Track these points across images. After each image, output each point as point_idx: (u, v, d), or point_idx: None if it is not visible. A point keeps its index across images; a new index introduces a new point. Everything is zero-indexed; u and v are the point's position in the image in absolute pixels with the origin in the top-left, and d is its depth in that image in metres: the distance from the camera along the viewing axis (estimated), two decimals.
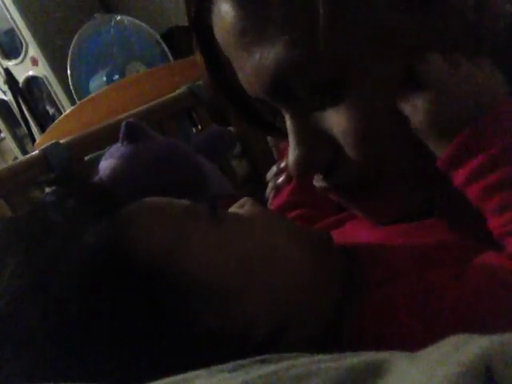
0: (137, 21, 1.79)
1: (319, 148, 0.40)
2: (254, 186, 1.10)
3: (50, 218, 0.38)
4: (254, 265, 0.38)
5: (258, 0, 0.37)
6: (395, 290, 0.38)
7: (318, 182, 0.44)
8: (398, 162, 0.40)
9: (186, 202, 0.42)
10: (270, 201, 0.67)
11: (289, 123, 0.41)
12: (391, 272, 0.40)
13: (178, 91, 1.12)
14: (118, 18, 1.77)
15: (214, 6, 0.40)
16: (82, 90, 1.75)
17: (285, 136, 0.43)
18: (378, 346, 0.31)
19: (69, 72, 1.79)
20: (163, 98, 1.10)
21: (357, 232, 0.49)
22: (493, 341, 0.19)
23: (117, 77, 1.72)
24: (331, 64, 0.36)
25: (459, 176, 0.36)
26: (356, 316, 0.38)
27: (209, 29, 0.42)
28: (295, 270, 0.40)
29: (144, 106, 1.06)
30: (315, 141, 0.40)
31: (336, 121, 0.39)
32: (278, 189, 0.66)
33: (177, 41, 1.87)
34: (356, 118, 0.38)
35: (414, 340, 0.34)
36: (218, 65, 0.45)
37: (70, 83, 1.81)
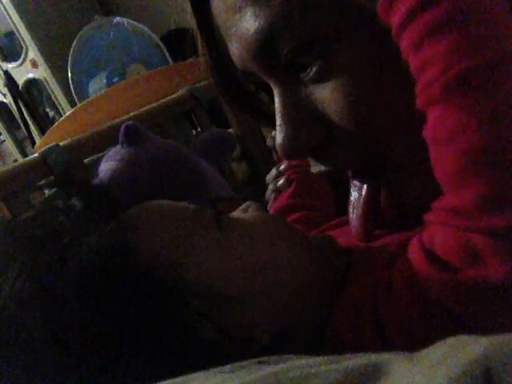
0: (136, 23, 1.80)
1: (309, 126, 0.38)
2: (254, 188, 1.10)
3: (55, 221, 0.38)
4: (257, 271, 0.38)
5: None
6: (361, 299, 0.38)
7: (315, 167, 0.42)
8: (399, 140, 0.37)
9: (190, 206, 0.42)
10: (270, 203, 0.67)
11: (277, 100, 0.39)
12: (368, 275, 0.40)
13: (177, 93, 1.12)
14: (117, 20, 1.77)
15: None
16: (83, 92, 1.75)
17: (274, 123, 0.40)
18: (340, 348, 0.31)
19: (69, 75, 1.79)
20: (163, 101, 1.10)
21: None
22: (492, 342, 0.19)
23: (117, 79, 1.72)
24: (318, 20, 0.35)
25: (394, 19, 0.31)
26: (333, 320, 0.38)
27: (208, 12, 0.42)
28: (297, 277, 0.40)
29: (144, 109, 1.06)
30: (304, 118, 0.38)
31: (326, 92, 0.37)
32: (277, 191, 0.66)
33: (176, 43, 1.87)
34: (347, 86, 0.36)
35: (368, 345, 0.34)
36: (216, 49, 0.45)
37: (71, 86, 1.81)
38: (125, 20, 1.78)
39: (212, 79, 0.48)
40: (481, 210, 0.29)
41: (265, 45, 0.37)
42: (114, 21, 1.77)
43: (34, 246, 0.36)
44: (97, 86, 1.75)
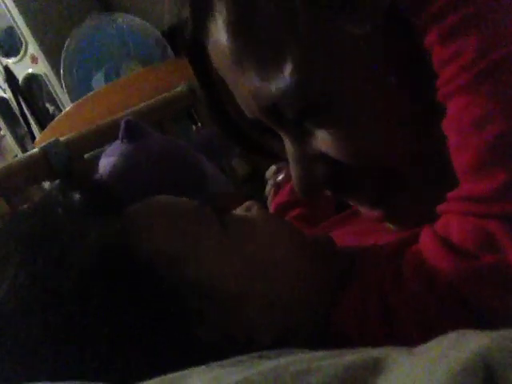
0: (135, 19, 1.78)
1: (319, 163, 0.40)
2: (254, 184, 1.10)
3: (54, 217, 0.38)
4: (258, 270, 0.38)
5: (252, 29, 0.36)
6: (367, 290, 0.38)
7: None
8: (402, 160, 0.38)
9: (192, 202, 0.41)
10: (269, 199, 0.67)
11: (288, 145, 0.41)
12: (371, 269, 0.40)
13: (177, 89, 1.12)
14: (114, 16, 1.76)
15: (209, 33, 0.39)
16: (79, 89, 1.74)
17: (278, 159, 0.43)
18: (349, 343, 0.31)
19: (61, 72, 1.78)
20: (163, 96, 1.10)
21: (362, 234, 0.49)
22: (492, 337, 0.19)
23: (114, 76, 1.72)
24: (318, 90, 0.36)
25: (424, 14, 0.32)
26: (338, 313, 0.39)
27: (205, 55, 0.42)
28: (298, 277, 0.40)
29: (144, 104, 1.06)
30: (314, 158, 0.40)
31: (328, 136, 0.38)
32: (277, 187, 0.66)
33: (175, 39, 1.86)
34: (343, 135, 0.37)
35: (374, 338, 0.34)
36: (213, 89, 0.46)
37: (63, 82, 1.80)
38: (122, 16, 1.77)
39: (214, 124, 0.49)
40: (501, 196, 0.29)
41: (269, 109, 0.38)
42: (111, 17, 1.75)
43: (33, 242, 0.36)
44: (95, 82, 1.74)
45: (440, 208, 0.34)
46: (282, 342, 0.37)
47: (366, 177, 0.40)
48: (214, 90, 0.45)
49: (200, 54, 0.42)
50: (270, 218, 0.44)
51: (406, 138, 0.37)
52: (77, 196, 0.39)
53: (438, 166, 0.39)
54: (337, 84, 0.36)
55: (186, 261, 0.36)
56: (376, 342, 0.34)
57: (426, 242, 0.35)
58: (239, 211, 0.45)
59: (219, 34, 0.38)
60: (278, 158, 0.47)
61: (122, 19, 1.74)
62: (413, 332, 0.34)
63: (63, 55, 1.74)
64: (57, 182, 0.86)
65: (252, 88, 0.38)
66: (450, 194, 0.33)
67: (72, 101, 1.67)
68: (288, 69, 0.35)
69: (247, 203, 0.46)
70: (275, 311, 0.38)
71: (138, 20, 1.77)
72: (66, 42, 1.73)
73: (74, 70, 1.73)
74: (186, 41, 0.43)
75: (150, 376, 0.28)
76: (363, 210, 0.44)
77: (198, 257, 0.37)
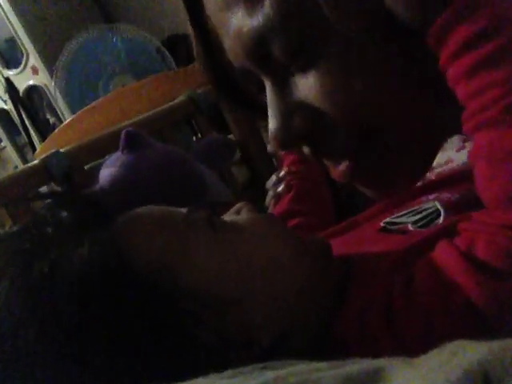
0: (136, 29, 1.79)
1: (298, 114, 0.39)
2: (254, 192, 1.10)
3: (43, 234, 0.38)
4: (252, 273, 0.38)
5: None
6: (369, 297, 0.38)
7: (335, 175, 0.42)
8: (387, 120, 0.38)
9: (182, 210, 0.41)
10: (270, 209, 0.67)
11: (269, 94, 0.40)
12: (372, 276, 0.40)
13: (177, 99, 1.12)
14: (113, 27, 1.76)
15: None
16: (76, 101, 1.74)
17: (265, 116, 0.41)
18: (356, 352, 0.31)
19: (53, 84, 1.78)
20: (163, 107, 1.10)
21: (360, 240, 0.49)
22: (491, 347, 0.19)
23: (111, 87, 1.72)
24: (306, 25, 0.36)
25: (445, 49, 0.32)
26: (338, 320, 0.39)
27: (201, 8, 0.42)
28: (294, 278, 0.40)
29: (144, 115, 1.06)
30: (293, 108, 0.39)
31: (307, 82, 0.37)
32: (277, 197, 0.66)
33: (175, 49, 1.87)
34: (325, 76, 0.36)
35: (386, 348, 0.34)
36: (208, 42, 0.45)
37: (53, 91, 1.80)
38: (119, 28, 1.77)
39: (209, 82, 0.48)
40: None
41: (256, 45, 0.38)
42: (107, 30, 1.76)
43: (23, 259, 0.36)
44: (93, 94, 1.74)
45: (462, 226, 0.35)
46: (281, 344, 0.37)
47: (343, 133, 0.38)
48: (208, 41, 0.45)
49: (195, 2, 0.43)
50: (260, 219, 0.44)
51: (397, 96, 0.37)
52: (67, 210, 0.39)
53: (420, 133, 0.39)
54: (323, 24, 0.35)
55: (178, 267, 0.37)
56: (376, 350, 0.35)
57: (445, 255, 0.35)
58: (229, 214, 0.45)
59: None
60: (263, 111, 0.45)
61: (122, 30, 1.75)
62: (415, 340, 0.34)
63: (58, 66, 1.74)
64: (56, 193, 0.86)
65: (238, 27, 0.38)
66: (476, 216, 0.34)
67: (72, 112, 1.68)
68: (269, 1, 0.35)
69: (237, 205, 0.46)
70: (273, 313, 0.38)
71: (137, 30, 1.78)
72: (60, 56, 1.73)
73: (70, 82, 1.73)
74: None
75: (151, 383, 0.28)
76: (332, 165, 0.42)
77: (190, 262, 0.37)
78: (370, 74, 0.36)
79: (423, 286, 0.35)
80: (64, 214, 0.39)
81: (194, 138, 1.21)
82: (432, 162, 0.43)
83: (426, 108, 0.38)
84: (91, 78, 1.74)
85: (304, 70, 0.37)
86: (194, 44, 0.47)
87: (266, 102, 0.42)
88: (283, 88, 0.39)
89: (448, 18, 0.31)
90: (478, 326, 0.32)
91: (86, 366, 0.32)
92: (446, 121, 0.39)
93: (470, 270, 0.32)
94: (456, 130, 0.37)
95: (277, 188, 0.67)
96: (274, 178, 0.70)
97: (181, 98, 1.12)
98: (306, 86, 0.38)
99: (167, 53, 1.75)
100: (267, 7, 0.36)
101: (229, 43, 0.40)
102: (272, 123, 0.40)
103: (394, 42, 0.36)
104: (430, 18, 0.32)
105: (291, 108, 0.39)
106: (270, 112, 0.40)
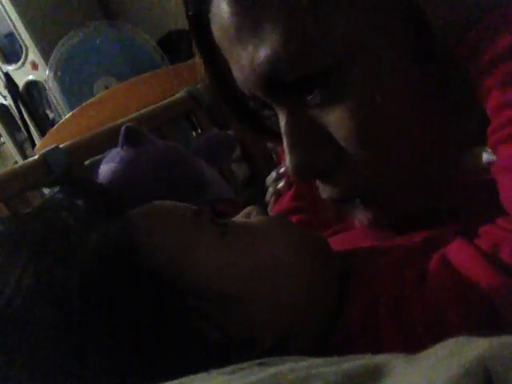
0: (132, 27, 1.78)
1: (320, 148, 0.38)
2: (254, 189, 1.10)
3: (58, 218, 0.38)
4: (257, 273, 0.38)
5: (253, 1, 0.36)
6: (376, 292, 0.38)
7: (324, 192, 0.43)
8: (405, 162, 0.38)
9: (191, 207, 0.42)
10: (270, 206, 0.67)
11: (283, 124, 0.39)
12: (375, 272, 0.40)
13: (177, 95, 1.12)
14: (109, 24, 1.76)
15: (212, 5, 0.40)
16: (74, 97, 1.74)
17: (280, 140, 0.41)
18: (361, 347, 0.31)
19: (49, 78, 1.78)
20: (163, 102, 1.10)
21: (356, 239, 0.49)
22: (491, 343, 0.19)
23: (109, 83, 1.72)
24: (325, 52, 0.35)
25: (480, 59, 0.31)
26: (342, 318, 0.38)
27: (207, 31, 0.42)
28: (298, 277, 0.40)
29: (143, 110, 1.06)
30: (314, 141, 0.38)
31: (334, 117, 0.37)
32: (278, 194, 0.66)
33: (175, 44, 1.87)
34: (355, 110, 0.36)
35: (392, 342, 0.34)
36: (216, 67, 0.45)
37: (51, 86, 1.80)
38: (117, 24, 1.76)
39: (212, 97, 0.48)
40: None
41: (267, 77, 0.37)
42: (104, 27, 1.75)
43: (37, 243, 0.36)
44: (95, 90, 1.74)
45: (484, 229, 0.34)
46: (284, 342, 0.37)
47: (363, 171, 0.38)
48: (216, 67, 0.44)
49: (203, 29, 0.42)
50: (269, 222, 0.44)
51: (421, 129, 0.36)
52: (79, 200, 0.39)
53: (437, 173, 0.39)
54: (340, 55, 0.35)
55: (185, 262, 0.37)
56: (381, 345, 0.34)
57: (465, 254, 0.34)
58: (239, 217, 0.46)
59: (221, 5, 0.38)
60: (274, 135, 0.45)
61: (121, 27, 1.75)
62: (425, 335, 0.34)
63: (53, 62, 1.74)
64: (58, 187, 0.86)
65: (250, 56, 0.37)
66: (500, 222, 0.33)
67: (71, 108, 1.68)
68: (279, 31, 0.35)
69: (247, 209, 0.47)
70: (277, 311, 0.38)
71: (135, 28, 1.77)
72: (55, 51, 1.73)
73: (67, 78, 1.73)
74: (190, 16, 0.43)
75: (151, 378, 0.28)
76: (353, 213, 0.43)
77: (197, 259, 0.37)
78: (397, 106, 0.36)
79: (438, 281, 0.35)
80: (80, 201, 0.39)
81: (194, 134, 1.20)
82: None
83: (446, 150, 0.38)
84: (89, 74, 1.74)
85: (325, 104, 0.37)
86: (202, 70, 0.46)
87: (269, 120, 0.42)
88: (300, 119, 0.38)
89: (485, 27, 0.31)
90: (491, 323, 0.31)
91: (93, 353, 0.32)
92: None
93: (495, 270, 0.32)
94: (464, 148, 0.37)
95: (277, 184, 0.67)
96: (273, 174, 0.70)
97: (180, 94, 1.12)
98: (332, 120, 0.37)
99: (161, 52, 1.75)
100: (279, 35, 0.35)
101: (237, 72, 0.40)
102: (292, 159, 0.39)
103: (431, 62, 0.35)
104: (469, 26, 0.31)
105: (312, 141, 0.38)
106: (287, 145, 0.39)
